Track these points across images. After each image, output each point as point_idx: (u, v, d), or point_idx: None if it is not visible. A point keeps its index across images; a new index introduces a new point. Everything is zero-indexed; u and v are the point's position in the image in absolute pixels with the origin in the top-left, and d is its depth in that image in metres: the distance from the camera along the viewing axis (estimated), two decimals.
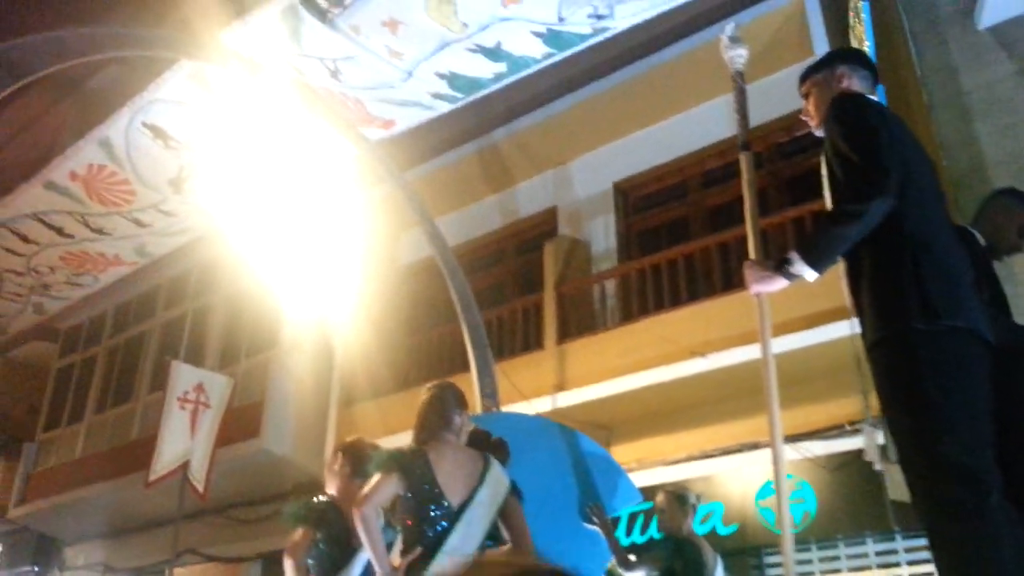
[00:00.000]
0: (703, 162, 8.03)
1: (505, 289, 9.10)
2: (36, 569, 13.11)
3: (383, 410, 8.16)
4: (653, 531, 7.01)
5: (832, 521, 6.39)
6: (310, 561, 4.22)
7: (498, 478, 3.60)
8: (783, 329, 6.21)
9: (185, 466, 9.21)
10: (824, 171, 2.68)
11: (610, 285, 8.00)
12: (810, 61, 6.39)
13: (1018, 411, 2.48)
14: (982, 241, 3.34)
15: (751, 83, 7.22)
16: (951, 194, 6.38)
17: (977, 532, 2.20)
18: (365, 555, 4.11)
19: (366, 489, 3.42)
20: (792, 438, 6.52)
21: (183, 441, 9.26)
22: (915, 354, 2.33)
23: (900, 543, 6.23)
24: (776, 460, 3.02)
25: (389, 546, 3.57)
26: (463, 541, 3.40)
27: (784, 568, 3.00)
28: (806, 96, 2.98)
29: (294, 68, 5.48)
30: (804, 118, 3.00)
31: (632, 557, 4.85)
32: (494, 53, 5.36)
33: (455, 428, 3.63)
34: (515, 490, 3.64)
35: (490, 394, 6.66)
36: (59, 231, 7.46)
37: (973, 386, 2.33)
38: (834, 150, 2.58)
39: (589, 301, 8.00)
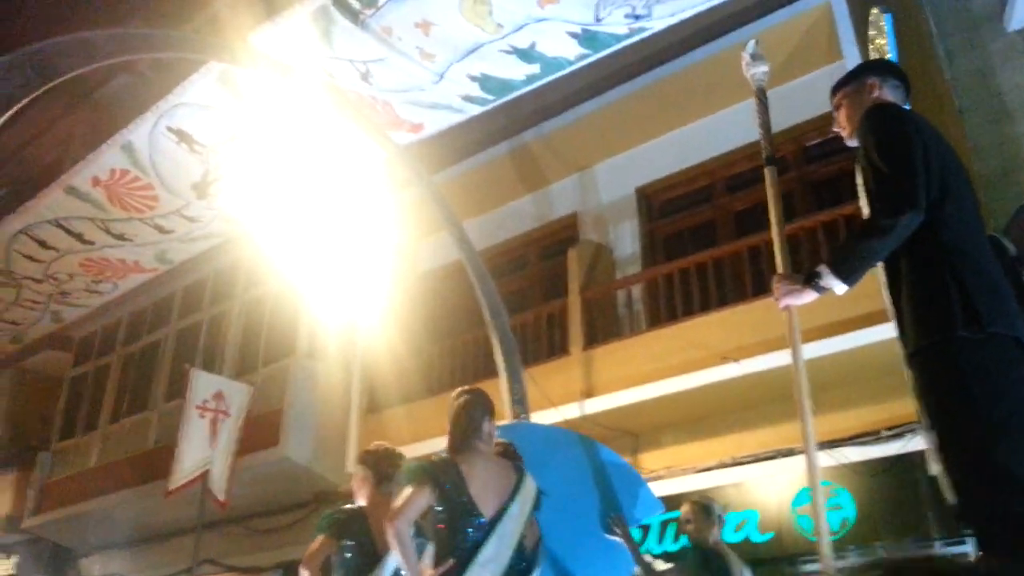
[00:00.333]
0: (729, 166, 7.95)
1: (527, 295, 9.02)
2: None
3: (409, 416, 8.07)
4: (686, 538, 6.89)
5: (871, 528, 6.28)
6: (338, 571, 4.19)
7: (529, 490, 3.57)
8: (818, 334, 6.14)
9: (205, 475, 9.14)
10: (859, 180, 2.67)
11: (636, 290, 7.90)
12: (839, 65, 6.35)
13: None
14: (1012, 250, 3.29)
15: (781, 85, 7.20)
16: (982, 198, 6.30)
17: None
18: (392, 562, 4.06)
19: (398, 502, 3.40)
20: (828, 444, 6.43)
21: (203, 450, 9.18)
22: (961, 362, 2.34)
23: (941, 550, 6.11)
24: (810, 468, 3.02)
25: (420, 554, 3.54)
26: (497, 552, 3.36)
27: None
28: (837, 108, 2.99)
29: (324, 70, 5.40)
30: (837, 130, 3.01)
31: (657, 567, 4.79)
32: (528, 54, 5.28)
33: (485, 436, 3.60)
34: (537, 503, 3.60)
35: (520, 400, 6.56)
36: (79, 237, 7.38)
37: (1020, 392, 2.32)
38: (867, 160, 2.59)
39: (614, 306, 7.91)
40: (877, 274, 2.66)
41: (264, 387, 9.81)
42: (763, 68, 3.67)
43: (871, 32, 6.16)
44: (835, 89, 3.01)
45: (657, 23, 5.31)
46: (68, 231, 7.33)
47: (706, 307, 6.95)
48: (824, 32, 7.15)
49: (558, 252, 8.72)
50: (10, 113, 4.49)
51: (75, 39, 4.59)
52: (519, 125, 8.00)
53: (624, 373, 7.21)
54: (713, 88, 7.72)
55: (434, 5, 4.85)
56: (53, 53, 4.50)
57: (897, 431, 6.27)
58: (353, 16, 4.88)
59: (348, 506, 4.25)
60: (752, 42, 3.75)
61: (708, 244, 7.60)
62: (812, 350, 6.05)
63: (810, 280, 2.66)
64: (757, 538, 6.81)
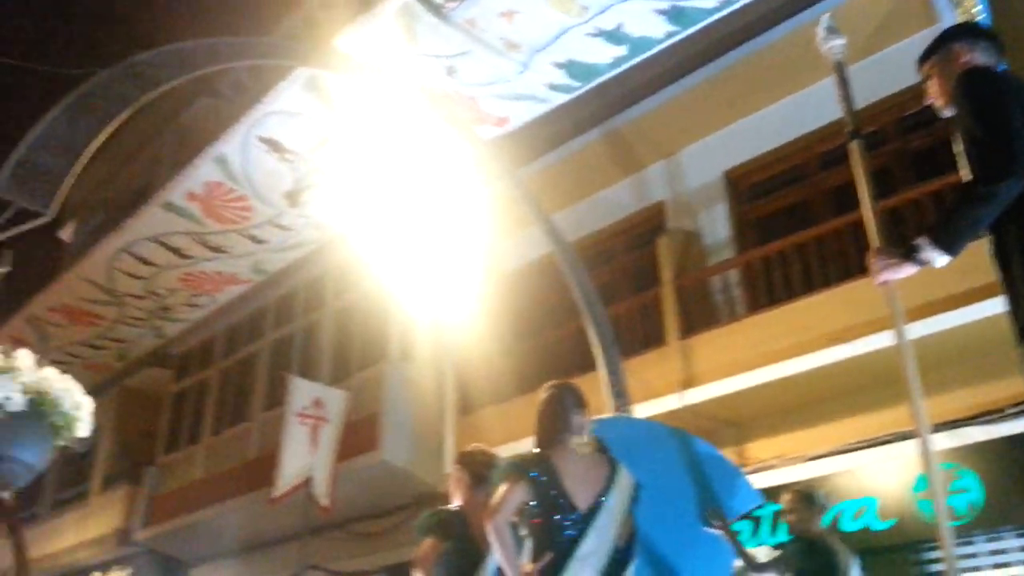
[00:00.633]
0: (822, 142, 7.65)
1: (615, 288, 8.86)
2: None
3: (504, 415, 8.02)
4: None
5: (1001, 511, 5.93)
6: (440, 571, 4.16)
7: (626, 482, 3.48)
8: (930, 310, 5.85)
9: (308, 481, 9.28)
10: (958, 148, 2.58)
11: (732, 276, 7.69)
12: (934, 29, 6.04)
13: None
14: None
15: (874, 54, 6.89)
16: None
17: None
18: (493, 564, 4.02)
19: (494, 500, 3.37)
20: (948, 424, 6.13)
21: (304, 457, 9.33)
22: None
23: None
24: (924, 450, 2.93)
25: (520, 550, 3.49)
26: (596, 546, 3.30)
27: (945, 563, 2.87)
28: (927, 79, 2.90)
29: (410, 69, 5.40)
30: (929, 102, 2.91)
31: (760, 559, 4.67)
32: (614, 36, 5.17)
33: (576, 429, 3.51)
34: (635, 496, 3.51)
35: (620, 393, 6.43)
36: (178, 252, 7.58)
37: None
38: (963, 128, 2.51)
39: (709, 294, 7.71)
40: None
41: (359, 392, 9.92)
42: (839, 41, 3.64)
43: None
44: (922, 60, 2.93)
45: None
46: (167, 246, 7.53)
47: (810, 288, 6.70)
48: None
49: (645, 243, 8.56)
50: (113, 126, 4.60)
51: (169, 50, 4.70)
52: (602, 114, 7.88)
53: (725, 361, 7.01)
54: (800, 63, 7.42)
55: None
56: (149, 65, 4.61)
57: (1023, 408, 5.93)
58: (436, 9, 4.86)
59: (448, 507, 4.25)
60: (826, 16, 3.73)
61: (802, 225, 7.33)
62: (926, 327, 5.82)
63: (909, 254, 2.59)
64: (878, 526, 6.53)
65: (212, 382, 12.90)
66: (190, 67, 4.74)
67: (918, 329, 5.92)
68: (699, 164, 8.33)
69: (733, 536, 4.38)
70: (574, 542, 3.28)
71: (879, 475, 6.60)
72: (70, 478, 15.48)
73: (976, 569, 6.08)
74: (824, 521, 6.65)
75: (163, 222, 7.25)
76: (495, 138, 6.15)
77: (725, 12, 5.41)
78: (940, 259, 2.51)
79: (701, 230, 8.07)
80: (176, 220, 7.17)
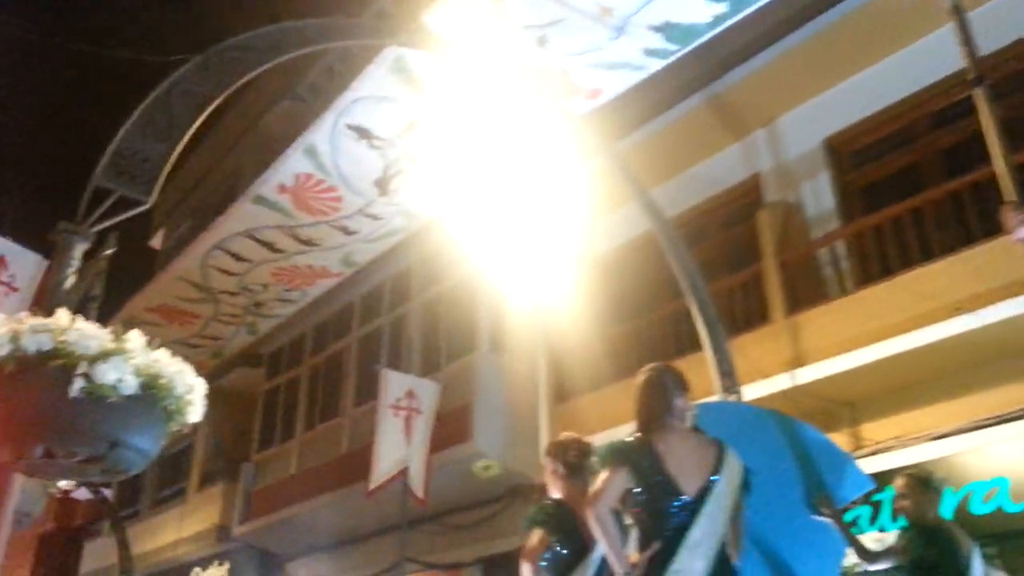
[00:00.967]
0: (931, 101, 7.20)
1: (711, 267, 8.54)
2: None
3: (602, 402, 7.80)
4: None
5: None
6: (543, 563, 4.02)
7: (735, 465, 3.30)
8: None
9: (404, 472, 9.26)
10: None
11: (840, 249, 7.30)
12: None
13: None
14: None
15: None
16: None
17: None
18: (598, 555, 3.89)
19: (596, 487, 3.24)
20: None
21: (400, 448, 9.32)
22: None
23: None
24: None
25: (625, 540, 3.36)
26: (706, 535, 3.13)
27: None
28: None
29: (499, 43, 5.25)
30: None
31: (872, 547, 4.43)
32: None
33: (678, 412, 3.37)
34: (746, 481, 3.34)
35: (728, 373, 6.15)
36: (270, 246, 7.60)
37: None
38: None
39: (816, 268, 7.34)
40: None
41: (451, 384, 9.86)
42: None
43: None
44: None
45: None
46: (259, 241, 7.56)
47: (927, 256, 6.29)
48: None
49: (741, 219, 8.23)
50: (208, 112, 4.57)
51: (259, 35, 4.65)
52: (693, 85, 7.60)
53: (836, 338, 6.65)
54: (901, 19, 7.03)
55: None
56: (242, 49, 4.57)
57: None
58: None
59: (554, 499, 4.15)
60: None
61: (913, 190, 6.90)
62: None
63: None
64: (1011, 508, 6.09)
65: (302, 379, 13.06)
66: (281, 50, 4.68)
67: None
68: (797, 133, 7.94)
69: (843, 523, 4.21)
70: (683, 529, 3.13)
71: (1012, 453, 6.15)
72: (169, 477, 15.91)
73: None
74: (951, 504, 6.41)
75: (254, 216, 7.27)
76: (587, 113, 5.95)
77: None
78: None
79: (803, 202, 7.69)
80: (267, 214, 7.18)
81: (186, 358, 3.43)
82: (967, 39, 3.58)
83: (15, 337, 3.19)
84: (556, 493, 4.13)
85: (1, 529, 3.89)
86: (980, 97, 3.44)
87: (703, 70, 7.40)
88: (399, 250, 9.58)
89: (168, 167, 4.49)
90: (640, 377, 3.49)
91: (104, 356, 3.24)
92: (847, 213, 7.43)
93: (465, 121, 6.09)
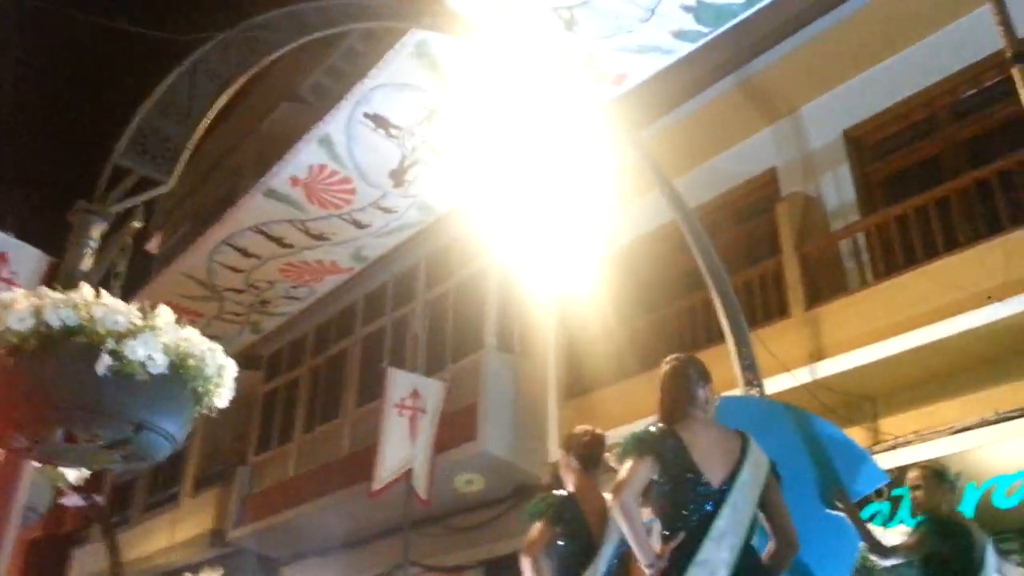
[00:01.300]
0: (952, 91, 7.16)
1: (728, 261, 8.48)
2: None
3: (618, 397, 7.71)
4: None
5: None
6: (550, 560, 3.93)
7: (759, 456, 3.26)
8: None
9: (408, 474, 9.11)
10: None
11: (860, 241, 7.24)
12: None
13: None
14: None
15: None
16: None
17: None
18: (608, 552, 3.83)
19: (621, 476, 3.17)
20: None
21: (404, 448, 9.17)
22: None
23: None
24: None
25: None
26: (731, 526, 3.08)
27: None
28: None
29: (526, 25, 5.14)
30: None
31: (887, 540, 4.40)
32: None
33: (701, 403, 3.36)
34: (775, 471, 3.30)
35: (750, 366, 6.05)
36: (279, 241, 7.41)
37: None
38: None
39: (836, 260, 7.27)
40: None
41: (456, 382, 9.73)
42: None
43: None
44: None
45: None
46: (268, 236, 7.37)
47: (954, 246, 6.24)
48: None
49: (759, 211, 8.17)
50: (231, 92, 4.44)
51: (284, 13, 4.53)
52: (713, 76, 7.52)
53: (857, 331, 6.58)
54: (922, 8, 6.99)
55: None
56: (265, 28, 4.45)
57: None
58: None
59: (559, 491, 4.06)
60: None
61: (933, 182, 6.85)
62: None
63: None
64: None
65: (302, 380, 12.90)
66: (305, 30, 4.56)
67: None
68: (814, 125, 7.89)
69: (857, 517, 4.20)
70: (708, 520, 3.09)
71: None
72: (161, 481, 15.64)
73: None
74: (974, 498, 6.34)
75: (264, 210, 7.09)
76: (611, 100, 5.84)
77: None
78: None
79: (822, 194, 7.63)
80: (278, 207, 7.00)
81: None
82: (1004, 18, 3.51)
83: (38, 312, 3.02)
84: (570, 487, 4.05)
85: (9, 523, 3.67)
86: (1017, 75, 3.38)
87: (721, 60, 7.33)
88: (404, 248, 9.44)
89: (190, 148, 4.34)
90: (664, 367, 3.48)
91: (133, 333, 3.08)
92: (867, 205, 7.38)
93: (486, 109, 5.96)
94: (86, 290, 3.18)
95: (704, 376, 3.44)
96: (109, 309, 3.10)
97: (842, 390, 6.75)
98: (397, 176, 6.55)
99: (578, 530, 3.88)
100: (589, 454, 4.10)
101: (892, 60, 7.36)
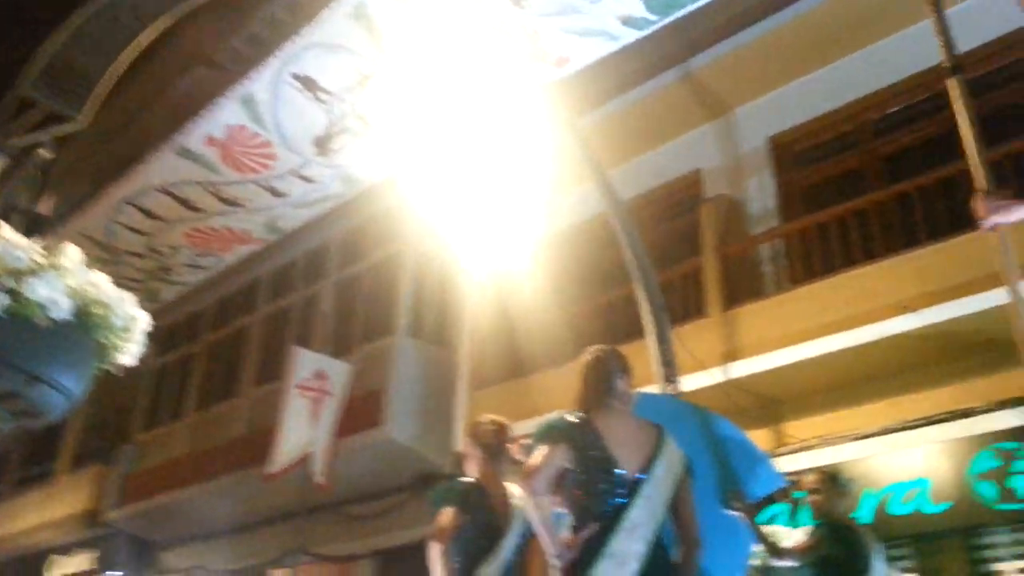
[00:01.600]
0: (878, 107, 7.36)
1: (651, 258, 8.50)
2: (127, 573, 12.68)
3: (532, 388, 7.60)
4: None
5: None
6: (454, 547, 3.88)
7: (674, 450, 3.26)
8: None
9: (307, 457, 8.79)
10: None
11: (780, 247, 7.36)
12: None
13: None
14: None
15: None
16: None
17: None
18: (512, 540, 3.84)
19: (533, 462, 3.11)
20: (1014, 402, 5.88)
21: (305, 431, 8.85)
22: None
23: None
24: None
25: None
26: (644, 517, 3.05)
27: None
28: None
29: None
30: None
31: (781, 542, 4.46)
32: None
33: (619, 394, 3.33)
34: (688, 467, 3.29)
35: (669, 363, 6.06)
36: (187, 204, 6.98)
37: None
38: None
39: (755, 264, 7.37)
40: None
41: (364, 367, 9.44)
42: None
43: None
44: None
45: None
46: (176, 197, 6.95)
47: (871, 256, 6.39)
48: None
49: (681, 212, 8.22)
50: (150, 35, 4.11)
51: None
52: (650, 71, 7.51)
53: (772, 334, 6.67)
54: (859, 23, 7.14)
55: None
56: None
57: None
58: None
59: (465, 478, 4.04)
60: None
61: (853, 194, 7.02)
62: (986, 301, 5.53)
63: None
64: (930, 509, 6.24)
65: (198, 356, 12.32)
66: None
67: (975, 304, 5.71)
68: (741, 130, 7.99)
69: (754, 520, 4.26)
70: (621, 511, 3.04)
71: (932, 456, 6.31)
72: (38, 454, 14.67)
73: None
74: (871, 504, 6.53)
75: (175, 169, 6.67)
76: (551, 83, 5.73)
77: None
78: None
79: (746, 198, 7.73)
80: (190, 168, 6.59)
81: None
82: (943, 29, 3.58)
83: None
84: (473, 474, 4.00)
85: None
86: (954, 87, 3.45)
87: (661, 56, 7.33)
88: (319, 223, 9.09)
89: (107, 87, 4.00)
90: (584, 357, 3.44)
91: (34, 271, 2.75)
92: (788, 212, 7.50)
93: (422, 80, 5.76)
94: None
95: (624, 368, 3.41)
96: (8, 243, 2.75)
97: (754, 391, 6.84)
98: (322, 144, 6.27)
99: (484, 518, 3.85)
100: (494, 443, 4.05)
101: (823, 71, 7.51)
